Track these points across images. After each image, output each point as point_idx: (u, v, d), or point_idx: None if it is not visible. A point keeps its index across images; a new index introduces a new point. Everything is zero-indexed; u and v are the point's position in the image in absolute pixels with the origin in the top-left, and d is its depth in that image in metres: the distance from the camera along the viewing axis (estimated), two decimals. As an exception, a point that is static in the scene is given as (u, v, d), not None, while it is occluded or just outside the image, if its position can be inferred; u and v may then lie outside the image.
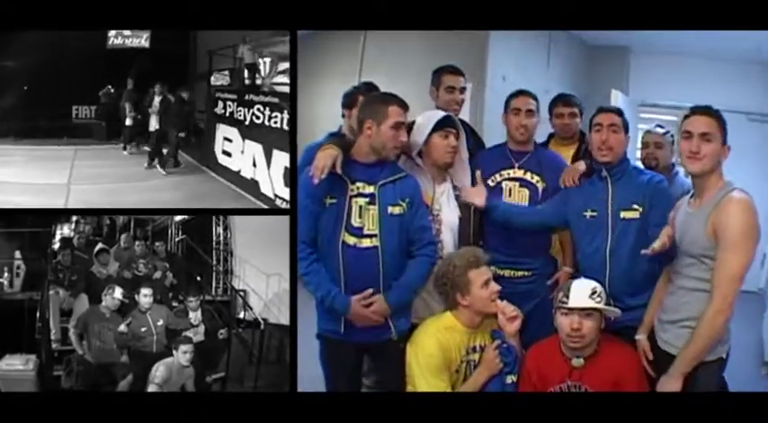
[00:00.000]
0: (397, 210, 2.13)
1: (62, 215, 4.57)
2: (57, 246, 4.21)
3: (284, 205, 3.75)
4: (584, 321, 1.94)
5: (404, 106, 2.11)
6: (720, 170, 1.88)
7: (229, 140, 4.50)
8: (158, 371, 2.93)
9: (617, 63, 5.60)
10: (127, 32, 5.57)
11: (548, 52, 5.02)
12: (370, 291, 2.09)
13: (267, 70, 4.47)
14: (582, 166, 2.40)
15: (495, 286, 2.10)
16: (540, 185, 2.46)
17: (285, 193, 3.70)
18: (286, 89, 3.87)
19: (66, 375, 3.36)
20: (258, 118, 4.04)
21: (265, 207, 3.92)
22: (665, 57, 5.49)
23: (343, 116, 2.52)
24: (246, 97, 4.20)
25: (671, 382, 1.87)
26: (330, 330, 2.16)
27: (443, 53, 4.38)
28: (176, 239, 5.00)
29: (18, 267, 4.20)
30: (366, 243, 2.10)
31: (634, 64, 5.64)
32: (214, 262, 4.88)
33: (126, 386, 3.16)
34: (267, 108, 3.94)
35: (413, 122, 2.31)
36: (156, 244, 4.35)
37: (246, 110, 4.13)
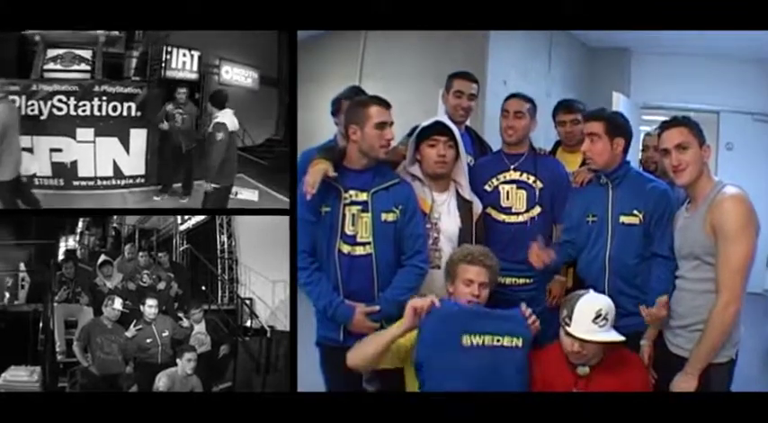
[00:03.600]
0: (390, 217, 2.11)
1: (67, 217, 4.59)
2: (60, 258, 4.21)
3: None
4: (586, 344, 1.85)
5: (384, 105, 2.09)
6: (708, 171, 1.92)
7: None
8: (161, 381, 2.92)
9: (618, 65, 5.51)
10: None
11: (548, 55, 4.96)
12: (377, 308, 2.06)
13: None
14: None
15: (475, 290, 1.98)
16: (536, 186, 2.41)
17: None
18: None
19: (71, 387, 3.34)
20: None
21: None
22: (667, 58, 5.38)
23: (337, 123, 2.48)
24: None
25: (687, 381, 1.86)
26: (329, 338, 2.14)
27: (443, 57, 4.39)
28: (180, 249, 4.99)
29: (23, 279, 4.20)
30: (360, 251, 2.09)
31: (635, 65, 5.53)
32: (219, 271, 4.86)
33: (131, 397, 3.14)
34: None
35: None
36: (160, 254, 4.33)
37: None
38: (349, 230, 2.08)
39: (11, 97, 3.79)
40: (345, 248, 2.08)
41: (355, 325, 2.07)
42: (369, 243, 2.08)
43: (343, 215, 2.08)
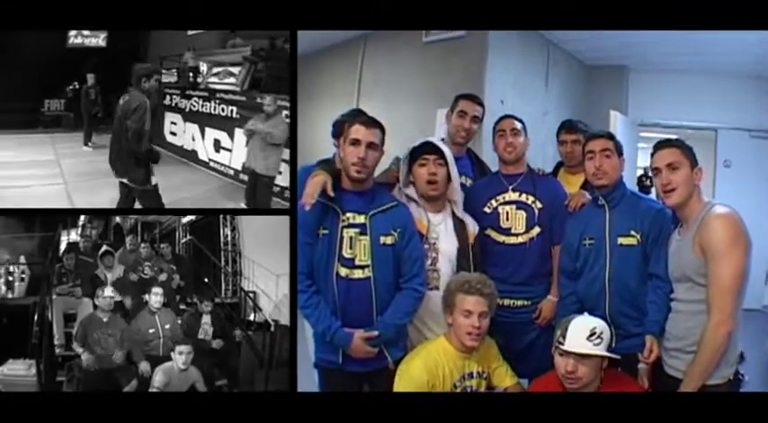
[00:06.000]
0: (389, 240, 2.08)
1: (68, 216, 4.57)
2: (61, 250, 4.14)
3: (219, 166, 5.17)
4: (579, 365, 1.83)
5: (368, 124, 2.05)
6: (699, 193, 1.92)
7: (174, 123, 6.03)
8: (156, 376, 2.86)
9: (616, 83, 5.41)
10: (86, 32, 6.50)
11: (546, 74, 4.88)
12: (376, 333, 2.04)
13: (205, 72, 5.96)
14: (588, 195, 2.36)
15: (475, 321, 1.96)
16: (535, 206, 2.39)
17: (217, 157, 5.22)
18: (217, 86, 5.61)
19: (68, 381, 3.28)
20: (194, 106, 5.64)
21: (217, 175, 5.12)
22: (664, 75, 5.28)
23: (336, 145, 2.42)
24: (186, 92, 5.85)
25: None
26: (328, 360, 2.12)
27: (440, 77, 4.33)
28: (183, 241, 4.93)
29: (23, 272, 4.14)
30: (358, 274, 2.06)
31: (633, 83, 5.43)
32: (222, 263, 4.79)
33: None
34: (201, 99, 5.55)
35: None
36: (162, 246, 4.27)
37: (186, 100, 5.79)
38: (347, 253, 2.05)
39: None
40: (343, 271, 2.05)
41: (354, 350, 2.04)
42: (367, 266, 2.05)
43: (341, 238, 2.04)
